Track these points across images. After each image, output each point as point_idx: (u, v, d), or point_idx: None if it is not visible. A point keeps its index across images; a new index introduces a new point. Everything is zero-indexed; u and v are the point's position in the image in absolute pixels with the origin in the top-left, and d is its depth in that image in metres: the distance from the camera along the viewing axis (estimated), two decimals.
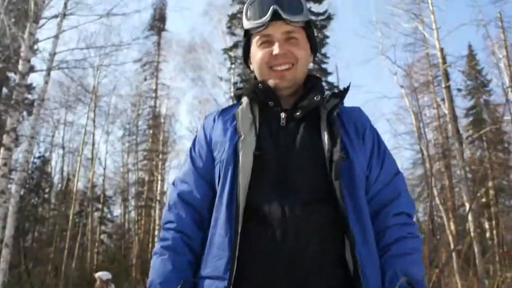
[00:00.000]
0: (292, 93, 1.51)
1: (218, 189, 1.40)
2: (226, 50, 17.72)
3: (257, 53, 1.51)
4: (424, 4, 17.88)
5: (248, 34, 1.56)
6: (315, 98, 1.44)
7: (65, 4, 12.54)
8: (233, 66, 18.35)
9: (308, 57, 1.55)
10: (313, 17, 15.62)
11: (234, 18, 16.34)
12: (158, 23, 26.31)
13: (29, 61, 10.90)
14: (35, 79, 30.16)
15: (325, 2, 16.60)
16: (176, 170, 30.60)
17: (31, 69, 11.35)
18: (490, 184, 20.91)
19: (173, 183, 1.55)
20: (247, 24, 1.52)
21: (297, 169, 1.35)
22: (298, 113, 1.43)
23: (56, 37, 12.13)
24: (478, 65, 23.46)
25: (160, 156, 26.59)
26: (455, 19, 41.52)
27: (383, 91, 44.69)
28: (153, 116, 25.23)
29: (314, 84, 1.53)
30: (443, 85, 17.06)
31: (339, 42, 39.22)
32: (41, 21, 12.04)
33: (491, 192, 22.27)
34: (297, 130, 1.41)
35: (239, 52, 17.05)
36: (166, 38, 26.65)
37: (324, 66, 15.82)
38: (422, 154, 17.29)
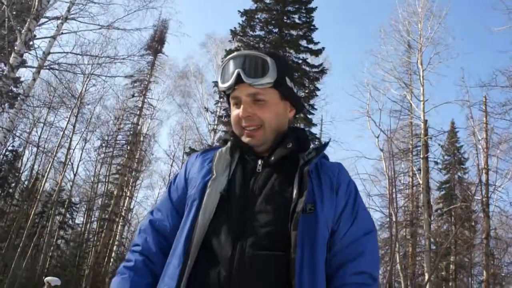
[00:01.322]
0: (269, 147, 1.53)
1: (182, 221, 1.45)
2: (217, 83, 17.69)
3: (232, 112, 1.57)
4: (416, 76, 18.58)
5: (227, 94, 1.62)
6: (287, 145, 1.49)
7: (69, 8, 12.64)
8: (221, 100, 18.53)
9: (279, 115, 1.55)
10: (307, 68, 15.90)
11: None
12: (156, 44, 26.38)
13: (21, 55, 10.86)
14: (23, 74, 29.80)
15: (322, 56, 16.90)
16: (146, 190, 30.39)
17: (22, 63, 11.28)
18: (452, 259, 21.10)
19: (151, 211, 1.63)
20: (220, 87, 1.56)
21: (258, 214, 1.36)
22: (272, 159, 1.47)
23: (54, 38, 12.15)
24: (458, 143, 24.08)
25: (133, 173, 26.33)
26: (443, 95, 43.06)
27: (363, 150, 45.60)
28: (133, 133, 24.92)
29: (291, 134, 1.56)
30: (422, 156, 17.44)
31: (328, 96, 40.13)
32: (42, 20, 12.11)
33: (452, 267, 22.43)
34: (270, 177, 1.44)
35: None
36: (160, 60, 26.74)
37: (310, 116, 16.02)
38: (391, 219, 17.37)
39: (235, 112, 1.53)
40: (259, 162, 1.48)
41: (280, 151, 1.48)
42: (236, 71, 1.47)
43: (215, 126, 20.34)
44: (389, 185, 17.47)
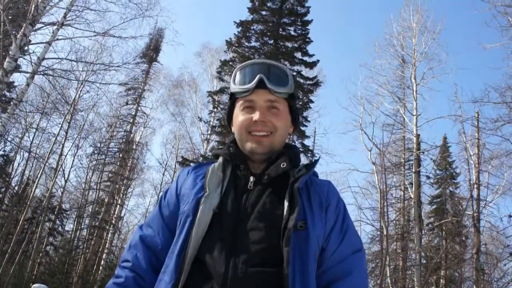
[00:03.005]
0: (265, 159, 1.55)
1: (175, 237, 1.45)
2: (211, 93, 17.72)
3: (238, 116, 1.57)
4: (409, 90, 18.66)
5: (233, 98, 1.63)
6: (281, 165, 1.50)
7: (65, 15, 12.63)
8: (215, 110, 18.76)
9: (287, 128, 1.61)
10: (301, 80, 15.99)
11: (225, 64, 16.37)
12: (151, 52, 26.43)
13: (16, 60, 10.81)
14: (17, 78, 29.70)
15: (316, 68, 17.05)
16: (137, 198, 30.27)
17: (16, 68, 11.25)
18: (442, 273, 21.05)
19: (140, 226, 1.64)
20: (233, 88, 1.59)
21: (251, 231, 1.38)
22: (265, 178, 1.49)
23: (49, 43, 12.12)
24: (450, 157, 24.16)
25: (125, 181, 26.28)
26: (436, 109, 43.60)
27: (355, 163, 45.85)
28: (126, 141, 24.84)
29: (285, 151, 1.58)
30: (414, 170, 17.36)
31: (322, 109, 40.18)
32: (38, 25, 12.11)
33: (442, 281, 22.34)
34: (262, 194, 1.46)
35: (224, 97, 17.28)
36: (155, 69, 26.76)
37: (303, 128, 16.13)
38: (381, 232, 17.38)
39: (245, 116, 1.54)
40: (251, 179, 1.50)
41: (274, 170, 1.50)
42: (259, 75, 1.52)
43: (208, 135, 20.36)
44: (380, 199, 17.59)
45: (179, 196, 1.57)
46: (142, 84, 25.75)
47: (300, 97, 16.11)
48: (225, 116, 1.73)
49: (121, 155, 24.67)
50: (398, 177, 21.79)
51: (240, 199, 1.45)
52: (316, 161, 1.65)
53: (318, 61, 16.22)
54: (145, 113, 25.97)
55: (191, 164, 14.93)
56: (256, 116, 1.51)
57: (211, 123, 19.69)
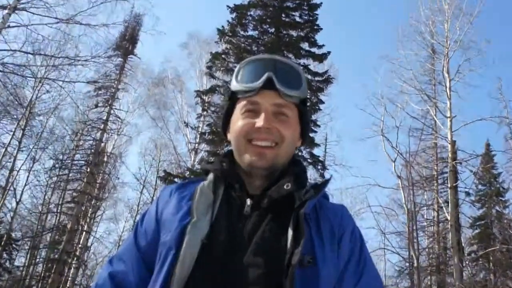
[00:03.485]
0: (266, 176, 1.57)
1: (154, 274, 1.46)
2: (200, 93, 17.86)
3: (238, 121, 1.59)
4: (441, 87, 19.10)
5: (233, 98, 1.64)
6: (285, 186, 1.51)
7: None
8: (204, 113, 18.63)
9: (295, 140, 1.63)
10: (309, 76, 16.16)
11: (217, 58, 16.65)
12: (127, 44, 26.69)
13: None
14: None
15: (327, 62, 17.44)
16: (108, 223, 30.17)
17: None
18: None
19: (109, 260, 1.64)
20: (235, 86, 1.62)
21: (248, 267, 1.38)
22: (265, 202, 1.49)
23: None
24: (495, 169, 24.21)
25: (93, 202, 26.03)
26: (475, 110, 43.50)
27: (376, 177, 45.18)
28: (95, 152, 24.61)
29: (290, 169, 1.60)
30: (449, 185, 17.57)
31: (334, 110, 39.95)
32: None
33: None
34: (261, 221, 1.46)
35: (216, 98, 17.43)
36: (132, 64, 27.42)
37: (312, 134, 16.14)
38: (411, 264, 17.28)
39: (246, 120, 1.57)
40: (248, 202, 1.51)
41: (276, 192, 1.51)
42: (268, 73, 1.55)
43: (197, 145, 20.42)
44: (408, 221, 17.44)
45: (160, 222, 1.57)
46: (116, 82, 25.81)
47: (308, 96, 16.19)
48: (220, 120, 1.75)
49: (88, 170, 24.20)
50: (429, 194, 22.12)
51: (234, 227, 1.45)
52: (327, 181, 1.67)
53: (328, 53, 16.44)
54: (119, 117, 26.20)
55: (176, 180, 15.06)
56: (260, 121, 1.53)
57: (199, 129, 19.67)
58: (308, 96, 1.80)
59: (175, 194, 1.62)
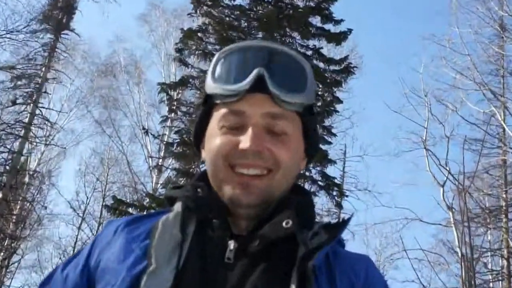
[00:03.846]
0: (256, 214, 1.54)
1: None
2: (166, 87, 17.56)
3: (215, 138, 1.56)
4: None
5: (210, 102, 1.63)
6: (284, 223, 1.48)
7: None
8: (172, 115, 18.81)
9: (297, 163, 1.63)
10: (321, 65, 16.22)
11: (190, 36, 16.70)
12: (59, 14, 26.41)
13: None
14: None
15: (346, 45, 17.99)
16: (29, 272, 30.10)
17: None
18: None
19: None
20: (211, 87, 1.59)
21: None
22: (255, 245, 1.47)
23: None
24: None
25: (6, 242, 25.97)
26: None
27: (416, 208, 44.74)
28: (11, 169, 24.45)
29: (291, 199, 1.58)
30: None
31: (356, 113, 39.11)
32: None
33: None
34: (249, 272, 1.43)
35: (188, 94, 17.83)
36: (67, 43, 26.85)
37: (324, 147, 15.98)
38: None
39: (226, 138, 1.54)
40: (231, 245, 1.48)
41: (272, 231, 1.49)
42: (257, 70, 1.51)
43: (161, 160, 20.85)
44: (464, 273, 17.53)
45: (93, 270, 1.56)
46: (43, 69, 25.62)
47: (320, 93, 16.14)
48: (193, 131, 1.74)
49: (1, 196, 24.65)
50: (496, 234, 22.06)
51: (210, 280, 1.42)
52: (346, 222, 1.63)
53: (349, 31, 16.68)
54: (47, 120, 26.02)
55: (130, 211, 15.25)
56: (245, 141, 1.49)
57: (165, 138, 19.67)
58: (315, 102, 1.72)
59: (123, 232, 1.58)
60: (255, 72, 1.50)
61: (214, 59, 1.62)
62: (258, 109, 1.52)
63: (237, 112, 1.53)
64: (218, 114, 1.57)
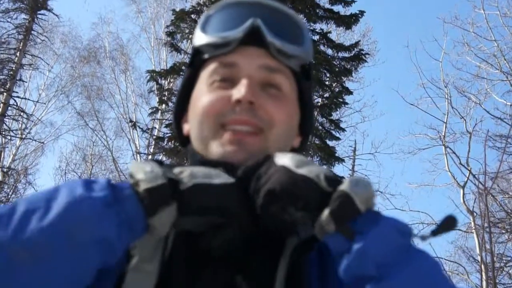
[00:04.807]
0: None
1: None
2: (156, 75, 17.81)
3: (203, 97, 1.59)
4: None
5: (197, 61, 1.66)
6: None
7: None
8: (163, 106, 18.79)
9: (293, 129, 1.66)
10: (329, 51, 16.11)
11: (182, 18, 16.56)
12: None
13: None
14: None
15: (358, 28, 17.86)
16: None
17: None
18: None
19: None
20: (200, 39, 1.62)
21: None
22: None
23: None
24: None
25: None
26: None
27: (433, 212, 44.84)
28: None
29: None
30: None
31: (368, 106, 39.62)
32: None
33: None
34: (239, 264, 1.43)
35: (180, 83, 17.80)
36: (45, 25, 26.82)
37: (331, 143, 16.16)
38: None
39: (216, 94, 1.57)
40: None
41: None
42: (252, 19, 1.55)
43: (150, 156, 20.56)
44: (485, 283, 17.23)
45: None
46: (18, 53, 25.44)
47: (327, 82, 16.03)
48: (175, 100, 1.78)
49: None
50: None
51: (196, 276, 1.43)
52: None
53: (361, 13, 16.68)
54: (23, 111, 25.76)
55: None
56: (239, 90, 1.51)
57: (155, 132, 20.21)
58: (311, 62, 1.62)
59: None
60: (250, 21, 1.54)
61: (204, 15, 1.65)
62: (253, 61, 1.56)
63: (229, 64, 1.57)
64: (206, 71, 1.61)
